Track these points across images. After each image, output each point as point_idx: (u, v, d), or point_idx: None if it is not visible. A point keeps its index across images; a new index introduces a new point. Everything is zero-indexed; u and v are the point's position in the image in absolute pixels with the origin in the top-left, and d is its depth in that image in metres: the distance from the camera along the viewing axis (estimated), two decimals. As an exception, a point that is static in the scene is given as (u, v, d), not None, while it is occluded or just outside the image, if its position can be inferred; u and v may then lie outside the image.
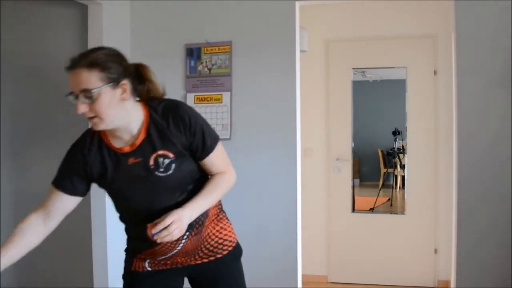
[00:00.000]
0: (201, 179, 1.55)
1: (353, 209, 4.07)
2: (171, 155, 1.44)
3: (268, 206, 2.91)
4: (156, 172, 1.43)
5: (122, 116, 1.40)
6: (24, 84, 3.06)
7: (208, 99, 3.02)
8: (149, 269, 1.58)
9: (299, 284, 3.00)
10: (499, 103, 2.61)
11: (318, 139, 3.96)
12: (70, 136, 3.04)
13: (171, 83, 3.10)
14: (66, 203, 1.54)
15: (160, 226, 1.36)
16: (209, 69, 3.02)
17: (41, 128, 3.05)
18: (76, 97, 1.35)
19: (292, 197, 2.88)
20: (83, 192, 1.54)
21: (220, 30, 3.02)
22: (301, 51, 3.21)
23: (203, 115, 3.00)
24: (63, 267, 3.03)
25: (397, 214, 4.21)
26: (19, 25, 3.07)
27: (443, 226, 3.70)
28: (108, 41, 2.91)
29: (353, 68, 3.98)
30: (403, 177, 4.40)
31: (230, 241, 1.64)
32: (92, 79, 1.33)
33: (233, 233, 1.67)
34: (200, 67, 3.04)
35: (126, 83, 1.40)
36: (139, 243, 1.54)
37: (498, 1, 2.61)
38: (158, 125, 1.45)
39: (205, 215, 1.54)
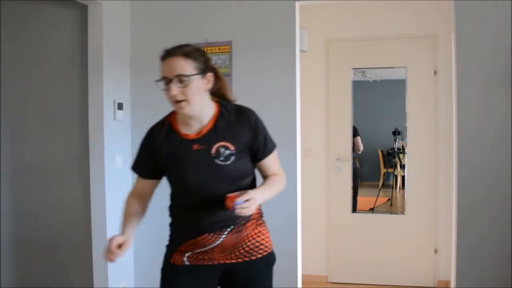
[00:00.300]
0: (252, 185, 1.69)
1: (355, 209, 4.08)
2: (232, 148, 1.59)
3: (268, 206, 2.90)
4: (216, 160, 1.58)
5: (201, 105, 1.60)
6: (24, 83, 3.06)
7: (208, 99, 3.02)
8: (187, 263, 1.66)
9: (299, 284, 3.00)
10: (499, 103, 2.61)
11: (318, 139, 3.95)
12: (69, 133, 3.03)
13: (171, 83, 3.10)
14: (145, 185, 1.75)
15: (244, 197, 1.48)
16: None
17: (40, 127, 3.05)
18: (169, 81, 1.53)
19: (292, 197, 2.88)
20: (154, 176, 1.72)
21: (220, 30, 3.02)
22: (301, 51, 3.21)
23: (203, 115, 3.03)
24: (63, 267, 3.03)
25: (397, 214, 4.21)
26: (19, 25, 3.07)
27: (443, 226, 3.70)
28: (108, 41, 2.91)
29: (353, 68, 3.98)
30: (403, 177, 4.40)
31: (266, 246, 1.71)
32: (187, 67, 1.53)
33: (269, 239, 1.75)
34: (200, 67, 3.04)
35: (211, 76, 1.61)
36: (183, 234, 1.66)
37: (498, 1, 2.61)
38: (226, 121, 1.63)
39: (248, 217, 1.64)
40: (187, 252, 1.67)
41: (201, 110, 1.61)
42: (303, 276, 3.19)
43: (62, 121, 3.01)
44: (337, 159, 3.95)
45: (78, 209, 2.98)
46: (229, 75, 2.99)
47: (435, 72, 3.75)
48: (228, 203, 1.50)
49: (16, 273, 3.10)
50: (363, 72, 4.22)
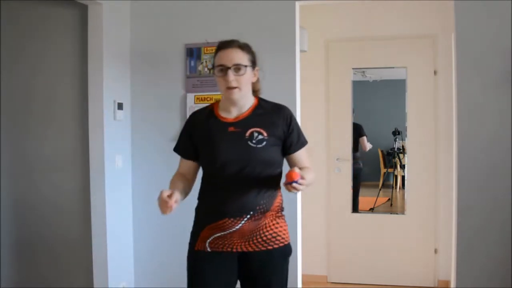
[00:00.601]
0: (278, 178, 1.81)
1: (357, 210, 4.08)
2: (265, 134, 1.74)
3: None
4: (249, 142, 1.72)
5: (247, 94, 1.78)
6: (24, 83, 3.07)
7: (208, 99, 3.02)
8: (209, 249, 1.77)
9: (299, 284, 3.00)
10: (499, 103, 2.61)
11: (318, 139, 3.95)
12: (69, 133, 3.03)
13: (171, 83, 3.10)
14: (186, 165, 1.87)
15: (304, 174, 1.59)
16: (209, 69, 3.03)
17: (40, 127, 3.05)
18: (226, 69, 1.70)
19: (292, 197, 2.88)
20: (193, 157, 1.84)
21: (220, 30, 3.01)
22: (301, 51, 3.21)
23: (203, 115, 3.03)
24: (63, 267, 3.03)
25: (397, 214, 4.21)
26: (19, 25, 3.07)
27: (443, 226, 3.70)
28: (108, 41, 2.91)
29: (353, 68, 3.98)
30: (403, 177, 4.40)
31: (282, 237, 1.80)
32: (243, 58, 1.74)
33: (287, 232, 1.84)
34: (200, 67, 3.05)
35: (257, 70, 1.82)
36: (206, 217, 1.77)
37: (498, 1, 2.61)
38: (263, 111, 1.80)
39: (267, 207, 1.75)
40: (209, 238, 1.76)
41: (245, 99, 1.78)
42: (303, 276, 3.19)
43: (62, 121, 3.01)
44: (337, 159, 3.95)
45: (78, 209, 2.98)
46: (229, 75, 2.99)
47: (435, 72, 3.75)
48: (293, 175, 1.56)
49: (16, 273, 3.10)
50: (363, 72, 4.22)
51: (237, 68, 1.71)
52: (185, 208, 3.13)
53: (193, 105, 3.04)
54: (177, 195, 1.61)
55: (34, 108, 3.05)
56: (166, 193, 1.60)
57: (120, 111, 3.02)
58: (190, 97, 3.06)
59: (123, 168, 3.08)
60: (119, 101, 3.02)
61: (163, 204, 1.59)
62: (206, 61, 3.03)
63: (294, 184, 1.56)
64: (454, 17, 2.70)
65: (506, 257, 2.59)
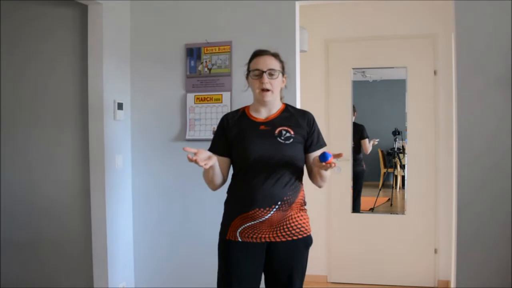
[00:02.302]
0: (301, 174, 2.00)
1: (359, 210, 4.07)
2: (292, 132, 1.96)
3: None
4: (278, 138, 1.94)
5: (277, 98, 2.02)
6: (24, 83, 3.07)
7: (208, 99, 3.02)
8: (239, 239, 1.93)
9: (299, 284, 3.00)
10: (499, 103, 2.61)
11: (318, 139, 3.95)
12: (69, 133, 3.03)
13: (171, 83, 3.10)
14: (221, 161, 2.00)
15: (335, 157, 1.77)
16: (209, 69, 3.03)
17: (40, 127, 3.05)
18: (261, 73, 1.94)
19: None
20: (227, 153, 2.02)
21: (220, 30, 3.02)
22: (301, 51, 3.21)
23: (203, 115, 3.03)
24: (63, 267, 3.03)
25: (397, 214, 4.21)
26: (19, 25, 3.07)
27: (443, 226, 3.70)
28: (108, 41, 2.91)
29: (353, 68, 3.98)
30: (403, 177, 4.40)
31: (305, 228, 1.99)
32: (276, 64, 1.98)
33: (309, 224, 2.02)
34: (200, 67, 3.04)
35: (286, 77, 2.07)
36: (238, 208, 1.93)
37: (498, 1, 2.61)
38: (289, 114, 2.03)
39: (293, 199, 1.93)
40: (239, 228, 1.92)
41: (274, 102, 2.01)
42: (303, 276, 3.19)
43: (62, 121, 3.01)
44: (337, 159, 3.95)
45: (78, 209, 2.98)
46: (229, 75, 2.99)
47: (435, 72, 3.75)
48: (327, 152, 1.76)
49: (16, 273, 3.10)
50: (363, 72, 4.22)
51: (271, 72, 1.94)
52: (186, 208, 3.13)
53: (193, 105, 3.04)
54: (214, 158, 1.80)
55: (34, 108, 3.05)
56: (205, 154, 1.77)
57: (120, 111, 3.02)
58: (190, 97, 3.06)
59: (123, 168, 3.08)
60: (119, 101, 3.02)
61: (202, 155, 1.74)
62: (206, 61, 3.03)
63: (330, 160, 1.74)
64: (454, 17, 2.70)
65: (506, 257, 2.59)
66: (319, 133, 2.05)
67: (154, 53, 3.14)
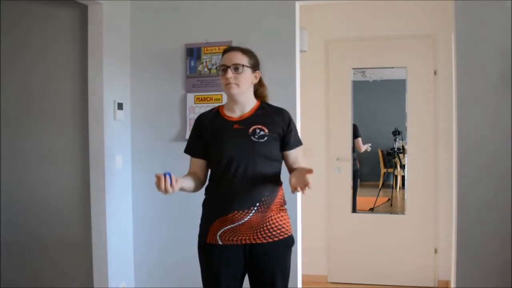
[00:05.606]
0: (278, 174, 1.98)
1: (355, 210, 4.07)
2: (266, 130, 1.93)
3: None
4: (252, 137, 1.91)
5: (247, 93, 1.97)
6: (24, 83, 3.06)
7: (208, 99, 3.02)
8: (220, 242, 1.91)
9: (299, 284, 3.00)
10: (499, 103, 2.61)
11: (318, 139, 3.95)
12: (69, 133, 3.03)
13: (171, 83, 3.10)
14: (196, 164, 2.03)
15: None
16: (209, 69, 3.03)
17: (40, 127, 3.05)
18: (226, 68, 1.91)
19: (292, 197, 2.88)
20: (203, 155, 2.01)
21: (220, 30, 3.02)
22: (301, 51, 3.21)
23: (203, 115, 3.02)
24: (63, 267, 3.03)
25: (397, 214, 4.21)
26: (19, 25, 3.07)
27: (443, 226, 3.70)
28: (108, 41, 2.91)
29: (353, 68, 3.98)
30: (403, 177, 4.40)
31: (286, 229, 1.98)
32: (243, 59, 1.94)
33: (289, 224, 2.01)
34: (200, 67, 3.04)
35: (258, 74, 2.03)
36: (216, 211, 1.91)
37: (498, 1, 2.61)
38: (264, 112, 1.99)
39: (272, 199, 1.92)
40: (219, 231, 1.90)
41: (246, 98, 1.97)
42: (303, 276, 3.19)
43: (62, 121, 3.01)
44: (337, 159, 3.95)
45: (78, 209, 2.98)
46: (229, 75, 2.99)
47: (435, 72, 3.75)
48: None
49: (15, 273, 3.10)
50: (363, 72, 4.22)
51: (236, 67, 1.91)
52: (185, 209, 3.13)
53: (193, 105, 3.04)
54: (179, 179, 1.76)
55: (34, 108, 3.05)
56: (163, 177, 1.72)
57: (120, 111, 3.02)
58: (190, 97, 3.06)
59: (123, 168, 3.08)
60: (119, 101, 3.02)
61: (159, 181, 1.70)
62: (206, 61, 3.03)
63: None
64: (454, 17, 2.70)
65: (506, 257, 2.59)
66: (296, 132, 2.03)
67: (154, 53, 3.14)
